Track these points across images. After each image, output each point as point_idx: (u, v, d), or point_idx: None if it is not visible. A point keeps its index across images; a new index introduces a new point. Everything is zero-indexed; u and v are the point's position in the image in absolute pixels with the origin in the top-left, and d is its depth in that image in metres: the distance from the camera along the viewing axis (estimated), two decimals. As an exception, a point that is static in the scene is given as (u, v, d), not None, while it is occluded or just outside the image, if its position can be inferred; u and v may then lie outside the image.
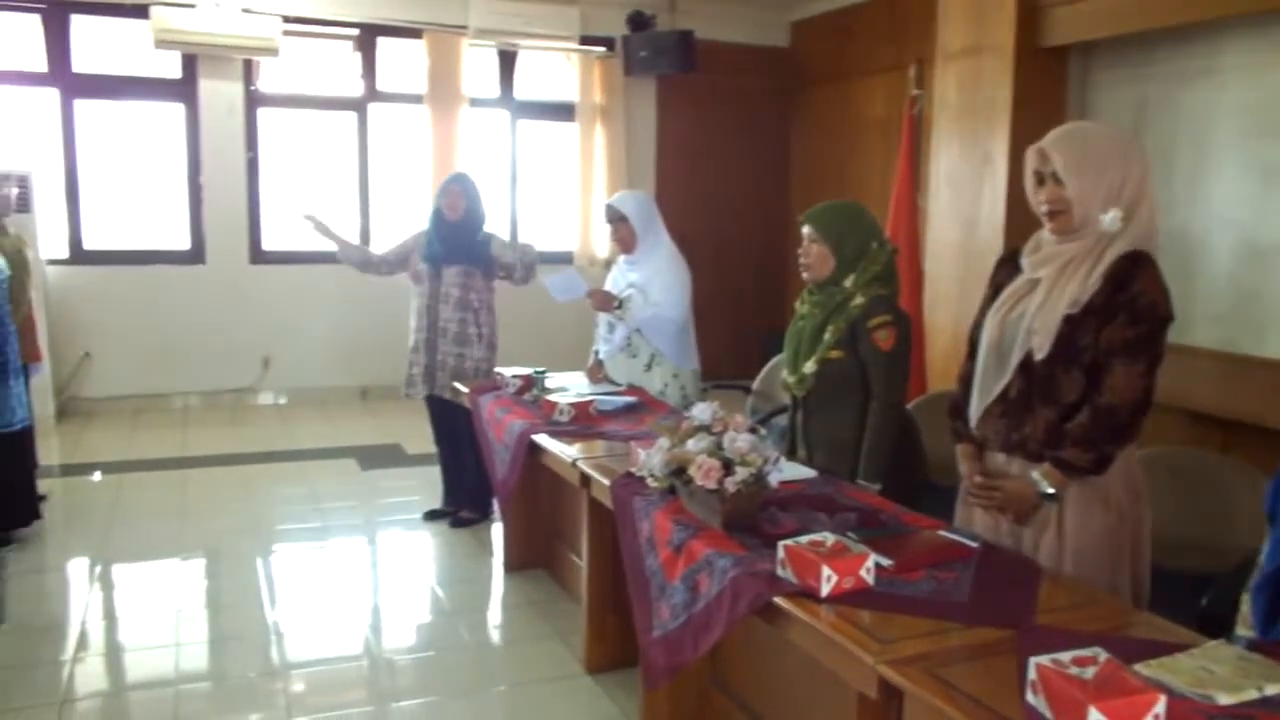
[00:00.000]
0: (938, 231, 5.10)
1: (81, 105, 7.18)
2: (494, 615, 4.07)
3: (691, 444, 2.58)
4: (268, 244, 7.64)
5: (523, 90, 8.17)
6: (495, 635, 3.88)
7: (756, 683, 2.82)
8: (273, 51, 7.16)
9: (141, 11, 6.94)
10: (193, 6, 6.99)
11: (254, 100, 7.48)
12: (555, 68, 8.20)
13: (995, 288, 2.63)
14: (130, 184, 7.39)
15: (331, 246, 5.01)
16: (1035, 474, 2.45)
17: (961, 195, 4.92)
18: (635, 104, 8.29)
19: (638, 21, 8.08)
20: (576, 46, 7.99)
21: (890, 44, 7.22)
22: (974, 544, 2.45)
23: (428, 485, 5.48)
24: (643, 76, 8.17)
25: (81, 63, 7.15)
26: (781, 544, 2.23)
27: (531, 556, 4.44)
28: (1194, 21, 4.05)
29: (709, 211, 8.47)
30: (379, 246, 5.19)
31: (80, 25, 7.09)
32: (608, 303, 4.24)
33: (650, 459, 2.71)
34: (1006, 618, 2.06)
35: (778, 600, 2.16)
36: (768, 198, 8.74)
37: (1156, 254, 2.38)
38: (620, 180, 8.06)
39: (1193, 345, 4.29)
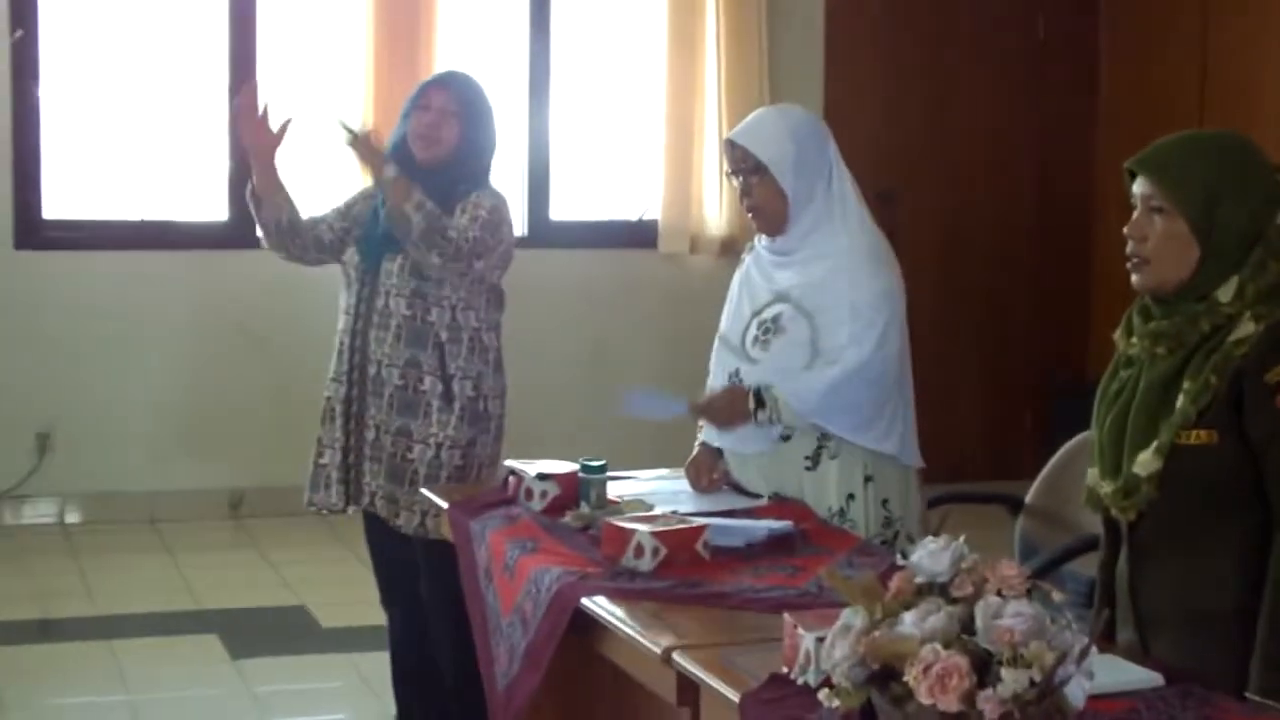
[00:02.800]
0: None
1: None
2: None
3: (910, 620, 2.56)
4: (52, 209, 7.84)
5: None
6: None
7: None
8: None
9: None
10: None
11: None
12: None
13: None
14: None
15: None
16: None
17: None
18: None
19: None
20: None
21: None
22: None
23: (364, 691, 5.55)
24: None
25: None
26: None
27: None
28: None
29: (934, 148, 8.57)
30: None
31: None
32: (735, 409, 4.22)
33: (825, 651, 2.69)
34: None
35: None
36: (1053, 118, 8.79)
37: None
38: (752, 92, 8.13)
39: None
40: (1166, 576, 3.21)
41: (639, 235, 8.26)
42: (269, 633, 6.36)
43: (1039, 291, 8.75)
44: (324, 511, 4.98)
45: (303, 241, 4.97)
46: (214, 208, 7.96)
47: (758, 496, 4.33)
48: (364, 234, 4.89)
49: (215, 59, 7.98)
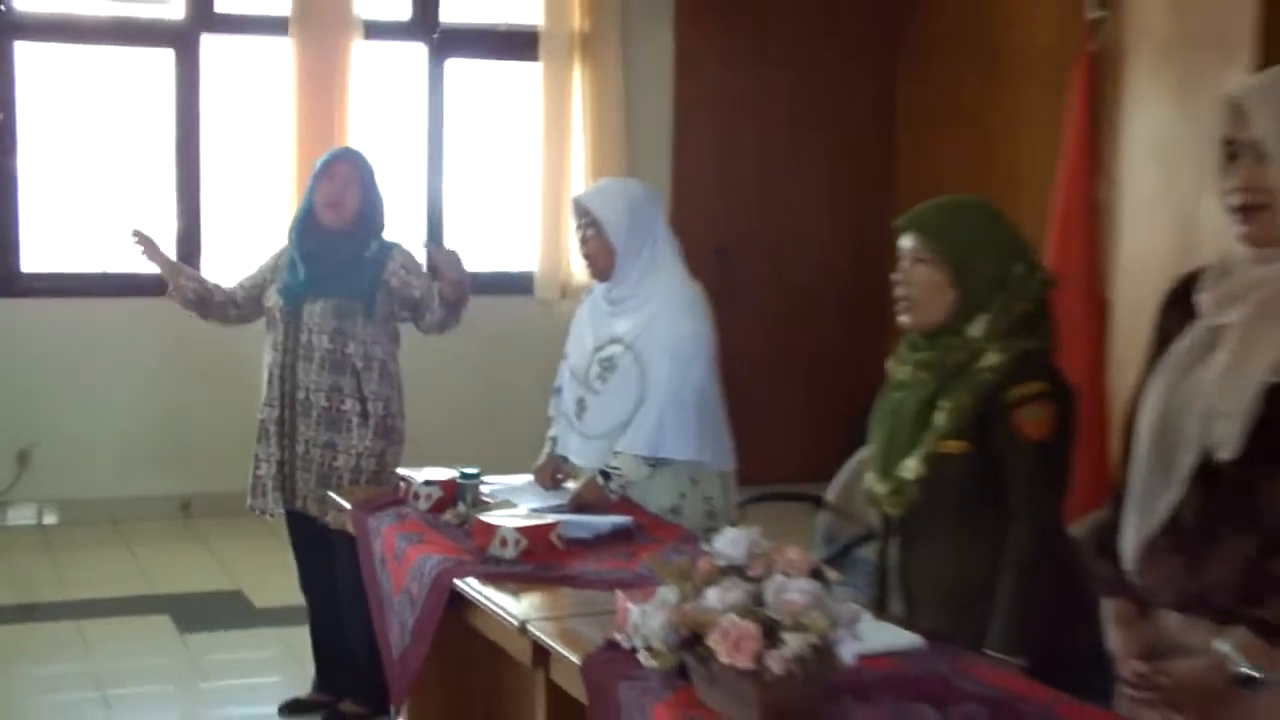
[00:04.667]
0: (1134, 240, 5.16)
1: None
2: None
3: (713, 596, 2.59)
4: (30, 263, 7.74)
5: (451, 11, 8.30)
6: None
7: None
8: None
9: None
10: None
11: (7, 29, 7.57)
12: (507, -28, 8.36)
13: (1161, 342, 2.64)
14: None
15: (156, 270, 5.17)
16: (1225, 646, 2.45)
17: (1174, 179, 4.97)
18: (639, 31, 8.42)
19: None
20: (542, -64, 8.16)
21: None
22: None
23: (289, 659, 5.52)
24: (652, -12, 8.35)
25: None
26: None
27: (457, 779, 4.44)
28: None
29: (761, 211, 8.58)
30: (223, 273, 5.25)
31: None
32: (598, 497, 4.25)
33: (646, 621, 2.72)
34: None
35: None
36: (859, 188, 8.82)
37: None
38: (614, 156, 8.16)
39: None
40: (928, 560, 3.29)
41: (518, 284, 8.25)
42: (211, 612, 6.33)
43: (848, 327, 8.70)
44: (261, 513, 5.05)
45: (221, 314, 5.12)
46: (166, 249, 7.72)
47: (604, 495, 4.36)
48: (284, 284, 4.91)
49: (165, 139, 7.92)
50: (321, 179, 4.90)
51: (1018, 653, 3.06)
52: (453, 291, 4.82)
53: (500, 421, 7.28)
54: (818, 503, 5.09)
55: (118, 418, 7.86)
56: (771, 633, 2.52)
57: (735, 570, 2.66)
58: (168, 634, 6.05)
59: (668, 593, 2.70)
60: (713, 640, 2.55)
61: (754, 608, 2.56)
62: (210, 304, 5.09)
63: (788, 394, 8.09)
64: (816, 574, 2.65)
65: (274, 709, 5.15)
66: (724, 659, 2.53)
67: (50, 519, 7.79)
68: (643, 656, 2.76)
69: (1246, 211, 2.43)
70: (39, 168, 7.78)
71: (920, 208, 3.34)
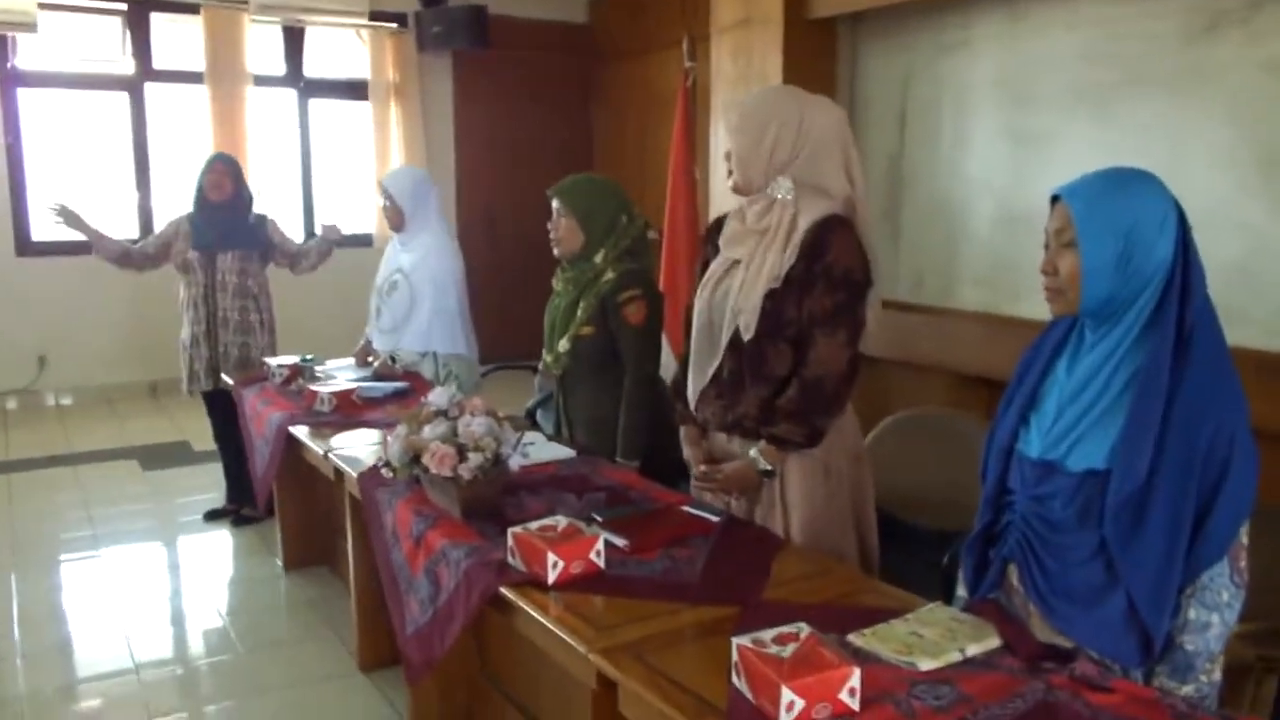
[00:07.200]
0: (719, 202, 5.08)
1: None
2: (271, 616, 3.86)
3: (428, 430, 2.45)
4: (37, 234, 7.08)
5: (312, 68, 7.79)
6: (269, 636, 3.67)
7: (521, 674, 2.72)
8: (29, 26, 6.58)
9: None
10: (-68, -22, 6.39)
11: (12, 79, 6.89)
12: (345, 44, 7.86)
13: (704, 264, 2.57)
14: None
15: (83, 238, 4.74)
16: (753, 452, 2.42)
17: (740, 166, 4.90)
18: (430, 81, 8.03)
19: (429, -4, 7.82)
20: (366, 22, 7.68)
21: (680, 18, 7.20)
22: (716, 519, 2.40)
23: (216, 483, 5.20)
24: (437, 53, 7.90)
25: None
26: (510, 531, 2.12)
27: (313, 553, 4.24)
28: (946, -6, 4.12)
29: (512, 189, 8.27)
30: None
31: None
32: (393, 373, 4.03)
33: (391, 447, 2.55)
34: (734, 595, 2.01)
35: (504, 590, 2.05)
36: (571, 173, 8.62)
37: (862, 219, 2.35)
38: (418, 158, 7.79)
39: (959, 309, 4.38)
40: (579, 402, 3.18)
41: (363, 240, 7.78)
42: (166, 455, 5.95)
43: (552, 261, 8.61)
44: (194, 394, 4.81)
45: (136, 265, 4.77)
46: (130, 231, 7.21)
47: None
48: (198, 242, 4.58)
49: (124, 152, 7.31)
50: (207, 172, 4.59)
51: (633, 459, 2.99)
52: (328, 250, 4.81)
53: (350, 323, 6.94)
54: (534, 370, 4.98)
55: (104, 332, 7.28)
56: (463, 453, 2.39)
57: (442, 414, 2.52)
58: (136, 471, 5.68)
59: (401, 429, 2.54)
60: (426, 458, 2.41)
61: (451, 437, 2.43)
62: (130, 257, 4.75)
63: (522, 302, 7.80)
64: (491, 414, 2.52)
65: (201, 516, 4.88)
66: (434, 469, 2.40)
67: (65, 401, 7.24)
68: (385, 472, 2.60)
69: (730, 174, 2.39)
70: (40, 173, 7.10)
71: (562, 181, 3.20)
